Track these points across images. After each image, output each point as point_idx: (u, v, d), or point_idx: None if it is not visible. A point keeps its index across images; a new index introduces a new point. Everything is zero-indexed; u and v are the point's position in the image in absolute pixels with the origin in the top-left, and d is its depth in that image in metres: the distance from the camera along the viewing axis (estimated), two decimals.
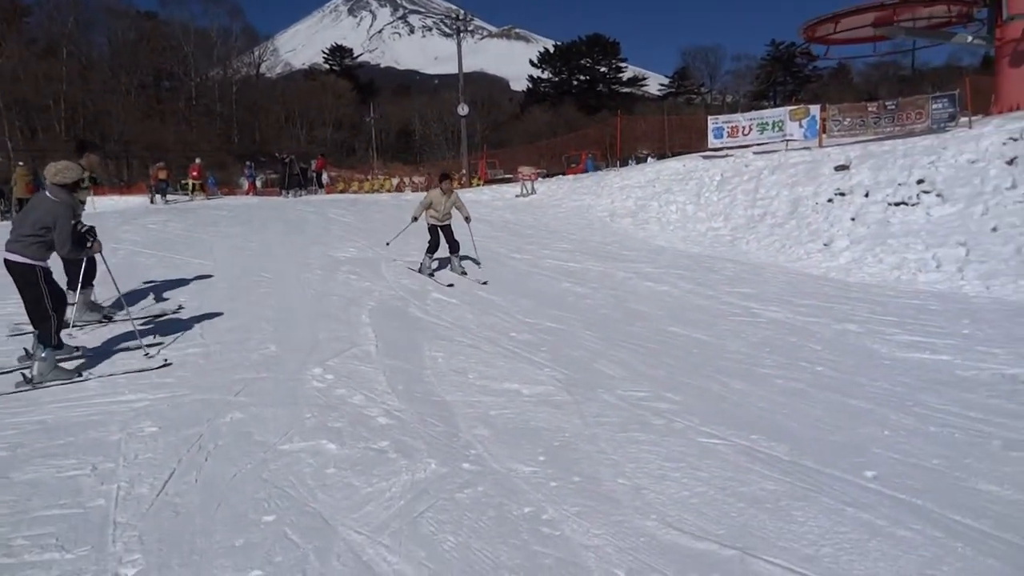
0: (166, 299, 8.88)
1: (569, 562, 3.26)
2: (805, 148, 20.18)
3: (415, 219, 11.44)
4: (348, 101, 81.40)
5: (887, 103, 19.82)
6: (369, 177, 42.82)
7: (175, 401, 5.31)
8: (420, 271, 11.02)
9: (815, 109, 20.79)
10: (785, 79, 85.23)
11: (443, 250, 11.36)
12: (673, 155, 28.29)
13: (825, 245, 14.96)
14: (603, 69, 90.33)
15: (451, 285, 10.31)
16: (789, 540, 3.45)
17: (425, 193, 12.23)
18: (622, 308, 9.44)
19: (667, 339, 7.79)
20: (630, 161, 31.87)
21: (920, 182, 15.76)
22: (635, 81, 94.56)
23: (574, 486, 4.06)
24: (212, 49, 73.92)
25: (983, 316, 8.95)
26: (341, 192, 34.88)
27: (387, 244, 12.86)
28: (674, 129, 36.79)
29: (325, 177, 34.63)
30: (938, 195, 15.16)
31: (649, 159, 30.28)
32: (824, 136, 20.36)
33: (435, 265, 11.27)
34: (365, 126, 75.49)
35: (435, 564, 3.22)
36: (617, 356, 6.99)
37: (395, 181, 39.56)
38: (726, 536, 3.49)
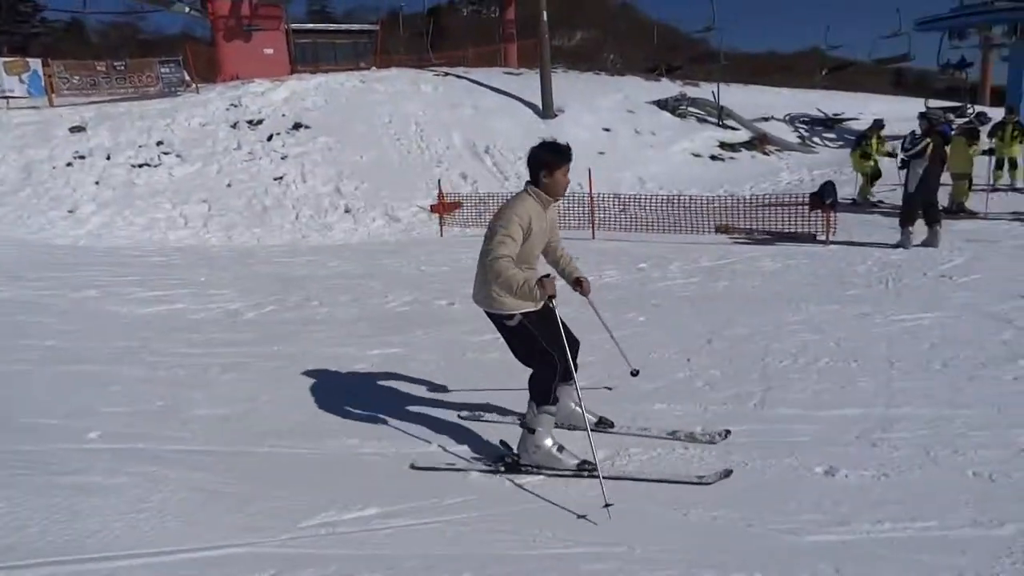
0: None
1: None
2: (33, 107, 18.06)
3: (534, 292, 3.30)
4: None
5: (116, 63, 19.43)
6: None
7: None
8: (546, 461, 3.55)
9: (36, 63, 18.70)
10: (9, 30, 73.98)
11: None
12: None
13: (70, 212, 13.88)
14: None
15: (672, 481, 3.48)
16: None
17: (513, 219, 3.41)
18: None
19: None
20: None
21: (160, 143, 16.19)
22: None
23: None
24: None
25: (219, 263, 9.93)
26: None
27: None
28: None
29: None
30: (178, 156, 15.90)
31: None
32: (54, 95, 18.59)
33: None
34: None
35: None
36: None
37: None
38: None
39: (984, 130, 13.25)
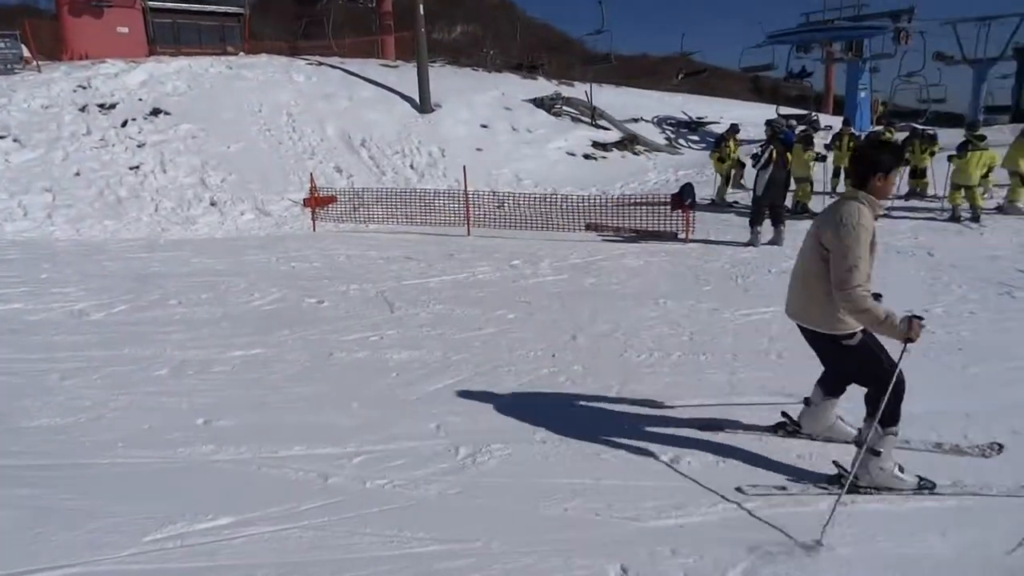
0: None
1: None
2: None
3: (899, 330, 3.00)
4: None
5: None
6: None
7: None
8: (890, 483, 3.34)
9: None
10: None
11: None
12: None
13: None
14: None
15: None
16: None
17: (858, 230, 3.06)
18: None
19: None
20: None
21: None
22: None
23: None
24: None
25: (65, 258, 9.14)
26: None
27: None
28: None
29: None
30: (16, 140, 14.40)
31: None
32: None
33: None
34: None
35: None
36: None
37: None
38: None
39: (819, 136, 14.46)
